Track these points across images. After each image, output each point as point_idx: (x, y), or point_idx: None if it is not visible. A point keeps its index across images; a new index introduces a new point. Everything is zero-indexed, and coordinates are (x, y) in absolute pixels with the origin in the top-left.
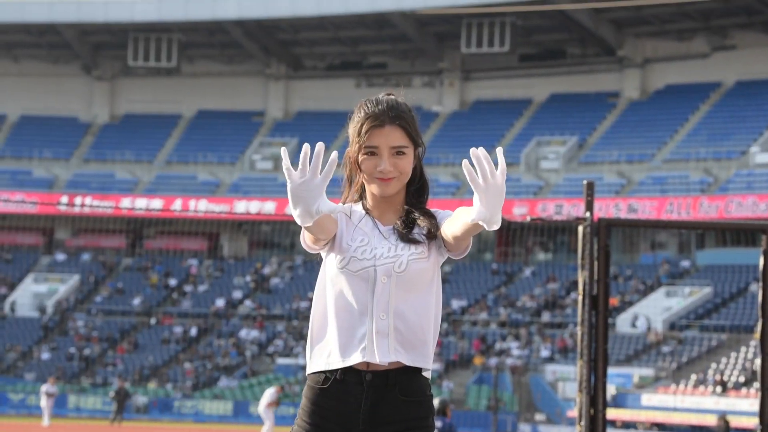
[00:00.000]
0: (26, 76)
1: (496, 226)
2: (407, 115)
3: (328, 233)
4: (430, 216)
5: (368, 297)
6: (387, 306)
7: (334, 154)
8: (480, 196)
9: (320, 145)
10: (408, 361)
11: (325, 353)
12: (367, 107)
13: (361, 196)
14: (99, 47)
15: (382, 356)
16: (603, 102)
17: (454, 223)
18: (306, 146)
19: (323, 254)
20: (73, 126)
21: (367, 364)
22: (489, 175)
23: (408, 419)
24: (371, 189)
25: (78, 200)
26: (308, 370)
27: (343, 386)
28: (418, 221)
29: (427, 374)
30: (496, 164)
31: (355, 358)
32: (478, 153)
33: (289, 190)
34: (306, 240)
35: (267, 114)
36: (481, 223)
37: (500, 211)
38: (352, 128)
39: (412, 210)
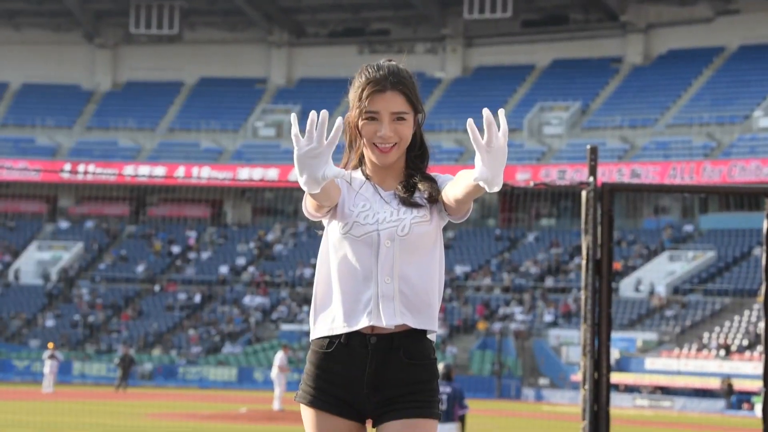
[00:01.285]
0: (28, 45)
1: (497, 188)
2: (408, 81)
3: (332, 200)
4: (431, 180)
5: (372, 261)
6: (391, 270)
7: (340, 120)
8: (482, 157)
9: (324, 113)
10: (414, 323)
11: (329, 319)
12: (368, 72)
13: (361, 162)
14: (101, 15)
15: (388, 319)
16: (606, 67)
17: (456, 185)
18: (312, 113)
19: (325, 222)
20: (76, 94)
21: (372, 327)
22: (494, 137)
23: (412, 382)
24: (370, 156)
25: (81, 168)
26: (312, 336)
27: (347, 350)
28: (419, 185)
29: (432, 337)
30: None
31: (362, 323)
32: (490, 116)
33: (296, 157)
34: (308, 207)
35: (269, 81)
36: (482, 184)
37: (502, 173)
38: (353, 93)
39: (412, 174)
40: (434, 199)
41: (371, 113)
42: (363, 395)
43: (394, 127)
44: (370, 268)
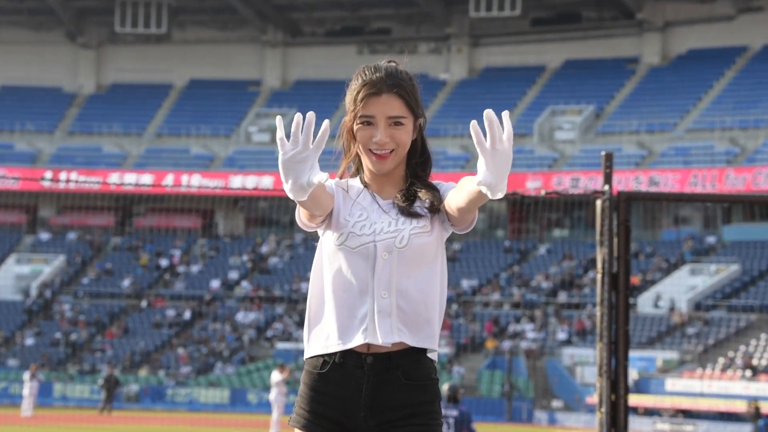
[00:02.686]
0: (6, 44)
1: (501, 195)
2: (407, 84)
3: (323, 208)
4: (433, 188)
5: (368, 274)
6: (389, 284)
7: (326, 123)
8: (486, 161)
9: (311, 114)
10: (412, 341)
11: (323, 336)
12: (365, 74)
13: (359, 170)
14: (84, 13)
15: (384, 337)
16: (621, 68)
17: (458, 193)
18: (298, 116)
19: (320, 232)
20: (57, 97)
21: (368, 346)
22: (497, 140)
23: (412, 404)
24: (366, 163)
25: (63, 176)
26: (306, 355)
27: (342, 370)
28: (420, 194)
29: (433, 356)
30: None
31: (356, 340)
32: (492, 116)
33: (280, 162)
34: (302, 217)
35: (263, 83)
36: (484, 189)
37: (506, 179)
38: (349, 96)
39: (413, 182)
40: (436, 208)
41: (366, 117)
42: (360, 418)
43: (390, 133)
44: (366, 281)
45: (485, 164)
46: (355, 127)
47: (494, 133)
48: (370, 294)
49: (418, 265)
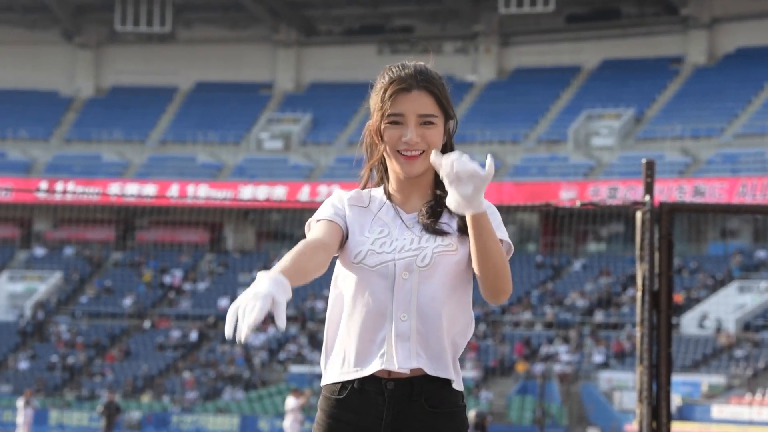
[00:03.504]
0: None
1: (474, 210)
2: (437, 82)
3: (330, 252)
4: None
5: (387, 295)
6: (408, 305)
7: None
8: (450, 192)
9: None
10: (430, 369)
11: (340, 361)
12: (392, 72)
13: (382, 179)
14: (82, 10)
15: (401, 362)
16: (664, 69)
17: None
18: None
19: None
20: (53, 101)
21: (389, 372)
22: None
23: None
24: (394, 168)
25: (59, 186)
26: (323, 380)
27: (362, 396)
28: (449, 209)
29: (458, 386)
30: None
31: (373, 366)
32: (435, 158)
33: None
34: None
35: (276, 86)
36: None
37: (474, 196)
38: (375, 96)
39: (442, 196)
40: (466, 228)
41: (395, 116)
42: None
43: (421, 132)
44: (385, 303)
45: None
46: (383, 127)
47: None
48: (389, 316)
49: (442, 285)
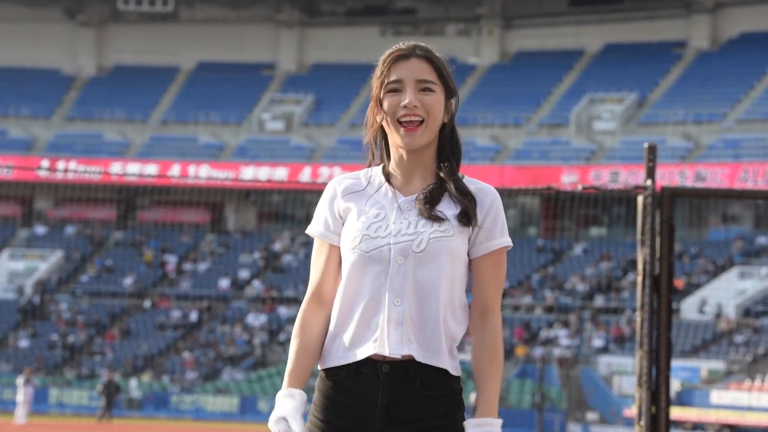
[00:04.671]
0: (0, 22)
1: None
2: (437, 55)
3: (329, 288)
4: (467, 195)
5: (382, 280)
6: (402, 290)
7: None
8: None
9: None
10: (420, 356)
11: (336, 344)
12: (392, 48)
13: (383, 158)
14: None
15: (393, 348)
16: (667, 53)
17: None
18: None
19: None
20: (55, 79)
21: (383, 355)
22: None
23: (432, 416)
24: (395, 141)
25: (61, 165)
26: (320, 361)
27: (358, 379)
28: (450, 195)
29: (455, 371)
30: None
31: (366, 350)
32: None
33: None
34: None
35: (278, 67)
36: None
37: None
38: (376, 72)
39: (443, 180)
40: (467, 220)
41: (394, 83)
42: (376, 430)
43: (420, 98)
44: (379, 288)
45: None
46: (382, 96)
47: None
48: (383, 301)
49: (437, 271)
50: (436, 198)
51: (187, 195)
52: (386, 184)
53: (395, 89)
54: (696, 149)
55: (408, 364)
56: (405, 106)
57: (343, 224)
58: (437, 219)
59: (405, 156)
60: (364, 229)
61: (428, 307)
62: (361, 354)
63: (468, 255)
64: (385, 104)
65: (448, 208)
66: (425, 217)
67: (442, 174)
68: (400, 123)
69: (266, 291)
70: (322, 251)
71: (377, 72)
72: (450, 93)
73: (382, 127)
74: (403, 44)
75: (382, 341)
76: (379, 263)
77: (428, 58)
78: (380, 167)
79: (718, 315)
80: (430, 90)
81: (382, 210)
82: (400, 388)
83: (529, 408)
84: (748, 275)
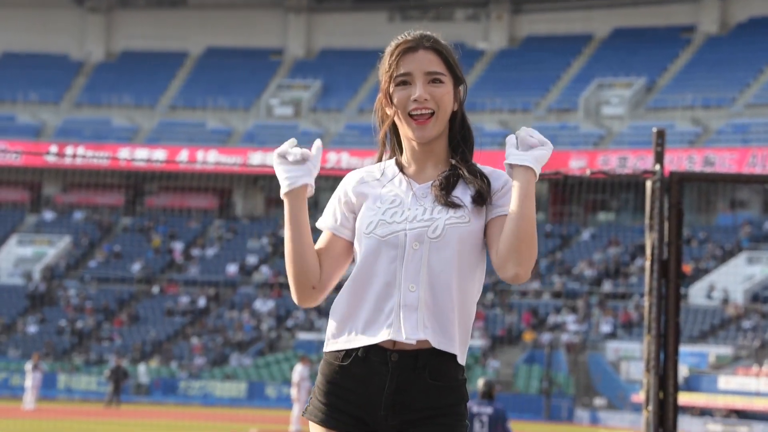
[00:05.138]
0: (8, 7)
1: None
2: (444, 45)
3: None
4: (480, 175)
5: (397, 265)
6: (417, 276)
7: (318, 142)
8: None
9: (318, 143)
10: (435, 342)
11: (347, 327)
12: (398, 38)
13: (394, 151)
14: None
15: (409, 333)
16: (675, 38)
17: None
18: (318, 142)
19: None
20: (64, 65)
21: (394, 342)
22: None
23: (436, 406)
24: (407, 134)
25: (69, 150)
26: (327, 345)
27: (365, 365)
28: (464, 180)
29: (461, 360)
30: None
31: (380, 336)
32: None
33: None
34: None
35: (286, 52)
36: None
37: (532, 159)
38: (383, 64)
39: (456, 166)
40: (483, 199)
41: (402, 76)
42: (380, 417)
43: (429, 90)
44: (394, 273)
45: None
46: (392, 90)
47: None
48: (398, 286)
49: (453, 257)
50: (452, 184)
51: (195, 180)
52: (400, 174)
53: (404, 82)
54: (704, 134)
55: (417, 353)
56: (415, 100)
57: (356, 216)
58: (453, 205)
59: (417, 147)
60: (380, 214)
61: (444, 293)
62: (373, 338)
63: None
64: (396, 98)
65: (463, 194)
66: (441, 204)
67: (454, 161)
68: (411, 116)
69: (274, 276)
70: (323, 240)
71: (384, 65)
72: (458, 81)
73: (390, 103)
74: (409, 35)
75: (397, 326)
76: (394, 248)
77: (436, 49)
78: (393, 159)
79: (726, 300)
80: (440, 81)
81: (397, 197)
82: (408, 377)
83: (536, 393)
84: (756, 260)
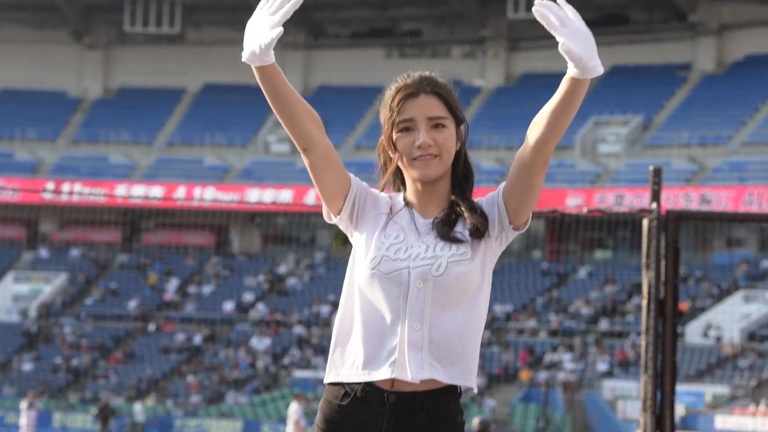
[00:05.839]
0: (7, 44)
1: (599, 70)
2: (444, 86)
3: (308, 140)
4: (477, 210)
5: (401, 303)
6: (421, 315)
7: None
8: (567, 39)
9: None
10: (445, 377)
11: (348, 363)
12: (398, 81)
13: (400, 189)
14: (91, 10)
15: (414, 372)
16: (672, 75)
17: (534, 127)
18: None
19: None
20: (61, 101)
21: (392, 383)
22: (564, 19)
23: None
24: (411, 175)
25: (66, 187)
26: (326, 379)
27: (363, 406)
28: (464, 215)
29: (468, 393)
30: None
31: (381, 373)
32: (542, 7)
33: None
34: (324, 200)
35: None
36: (576, 73)
37: (595, 53)
38: (384, 109)
39: (457, 202)
40: (480, 233)
41: (405, 122)
42: None
43: (433, 135)
44: (398, 311)
45: (568, 42)
46: (395, 137)
47: (558, 15)
48: (402, 325)
49: (456, 295)
50: (453, 221)
51: (192, 217)
52: (405, 207)
53: (407, 128)
54: (701, 172)
55: (415, 395)
56: (420, 146)
57: (353, 205)
58: (455, 240)
59: (420, 188)
60: (384, 250)
61: (449, 331)
62: (375, 375)
63: (507, 215)
64: (400, 145)
65: (464, 229)
66: (443, 240)
67: (454, 197)
68: (414, 159)
69: (270, 314)
70: (336, 160)
71: (386, 111)
72: (459, 122)
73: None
74: (408, 78)
75: (401, 365)
76: (397, 285)
77: (436, 92)
78: (401, 194)
79: (721, 339)
80: (442, 125)
81: (402, 232)
82: (405, 419)
83: None
84: (752, 299)
